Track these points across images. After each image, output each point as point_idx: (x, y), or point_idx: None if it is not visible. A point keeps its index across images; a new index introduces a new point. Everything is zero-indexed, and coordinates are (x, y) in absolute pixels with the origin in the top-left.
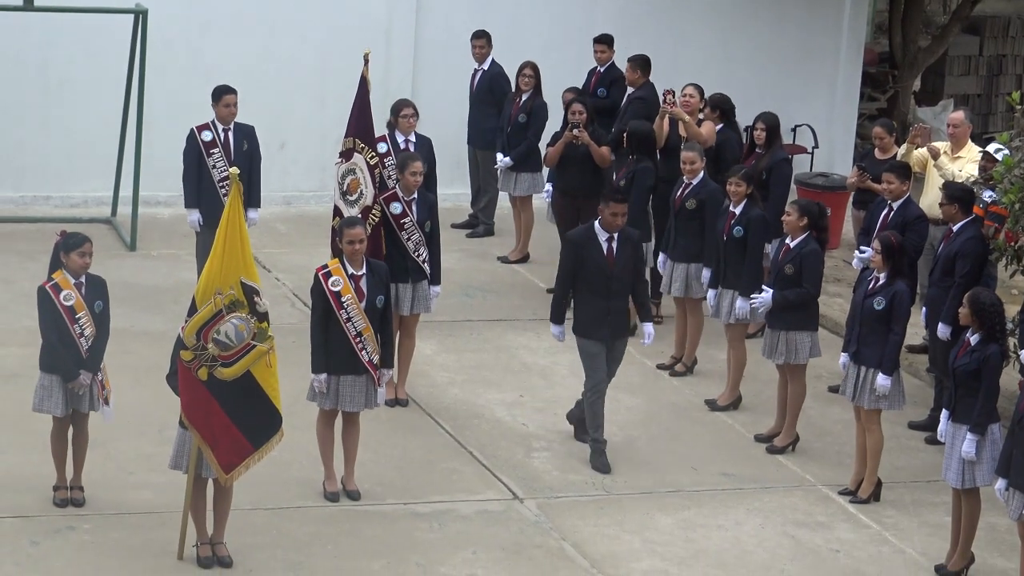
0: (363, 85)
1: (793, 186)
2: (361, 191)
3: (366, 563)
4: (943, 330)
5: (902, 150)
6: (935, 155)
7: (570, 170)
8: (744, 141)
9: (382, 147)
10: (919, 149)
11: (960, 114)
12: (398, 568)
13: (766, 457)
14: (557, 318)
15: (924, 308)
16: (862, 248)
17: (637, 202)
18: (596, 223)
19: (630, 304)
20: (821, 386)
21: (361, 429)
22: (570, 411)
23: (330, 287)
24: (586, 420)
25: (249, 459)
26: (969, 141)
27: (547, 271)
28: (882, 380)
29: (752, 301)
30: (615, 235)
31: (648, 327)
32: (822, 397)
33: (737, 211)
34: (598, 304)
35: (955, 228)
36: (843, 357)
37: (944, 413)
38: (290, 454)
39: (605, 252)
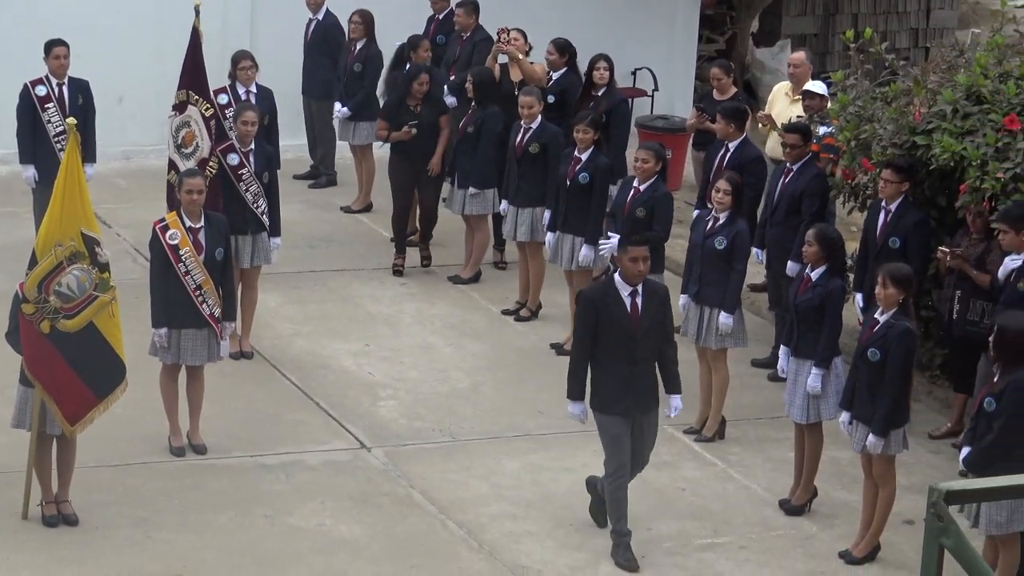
0: (195, 37)
1: (634, 129)
2: (196, 144)
3: (213, 516)
4: (792, 267)
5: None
6: (768, 124)
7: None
8: (582, 85)
9: (223, 98)
10: (769, 128)
11: (800, 54)
12: (245, 520)
13: None
14: (575, 393)
15: (760, 247)
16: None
17: (488, 149)
18: (616, 275)
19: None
20: None
21: (205, 383)
22: (590, 477)
23: (168, 240)
24: (607, 509)
25: (94, 411)
26: (810, 81)
27: (389, 220)
28: (724, 319)
29: (601, 249)
30: (639, 288)
31: (675, 400)
32: None
33: (583, 157)
34: (620, 372)
35: (795, 167)
36: (683, 299)
37: (784, 349)
38: (134, 409)
39: (628, 309)
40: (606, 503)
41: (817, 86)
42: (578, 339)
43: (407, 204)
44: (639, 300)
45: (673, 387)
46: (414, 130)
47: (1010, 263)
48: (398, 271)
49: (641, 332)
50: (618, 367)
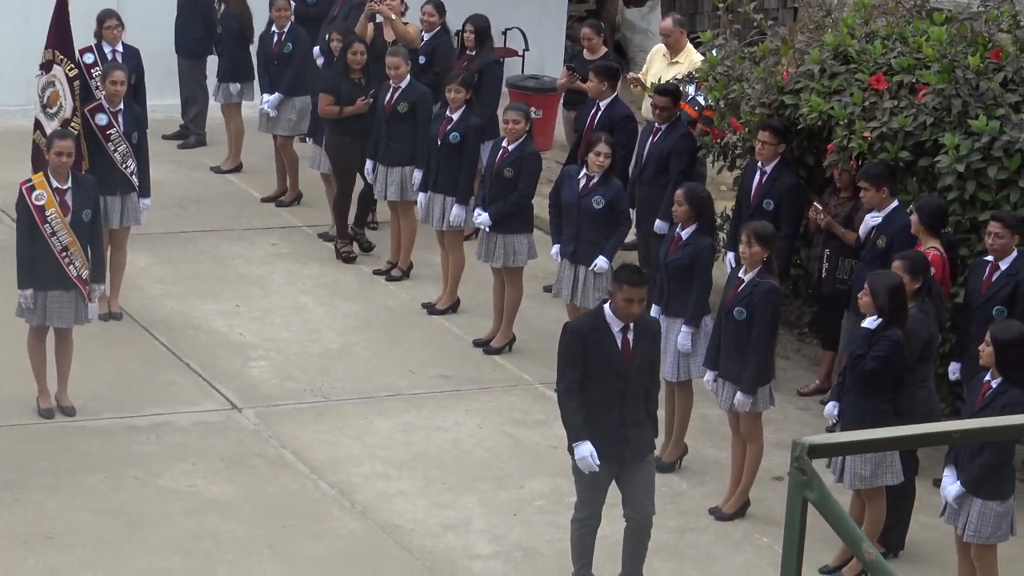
0: None
1: (505, 89)
2: (61, 104)
3: (83, 478)
4: (660, 225)
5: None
6: (637, 85)
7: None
8: (455, 45)
9: (89, 58)
10: (639, 89)
11: (668, 22)
12: (116, 482)
13: (483, 358)
14: (577, 435)
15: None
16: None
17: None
18: (607, 307)
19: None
20: (536, 286)
21: (74, 344)
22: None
23: (34, 201)
24: (571, 550)
25: None
26: (688, 45)
27: (260, 180)
28: (602, 263)
29: (476, 220)
30: (630, 324)
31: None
32: (538, 297)
33: (455, 117)
34: (609, 415)
35: (663, 127)
36: (555, 248)
37: (655, 308)
38: (1, 371)
39: (620, 346)
40: (570, 544)
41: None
42: (565, 376)
43: (352, 187)
44: (631, 336)
45: (655, 430)
46: (371, 99)
47: (870, 220)
48: (350, 258)
49: (632, 371)
50: (605, 408)
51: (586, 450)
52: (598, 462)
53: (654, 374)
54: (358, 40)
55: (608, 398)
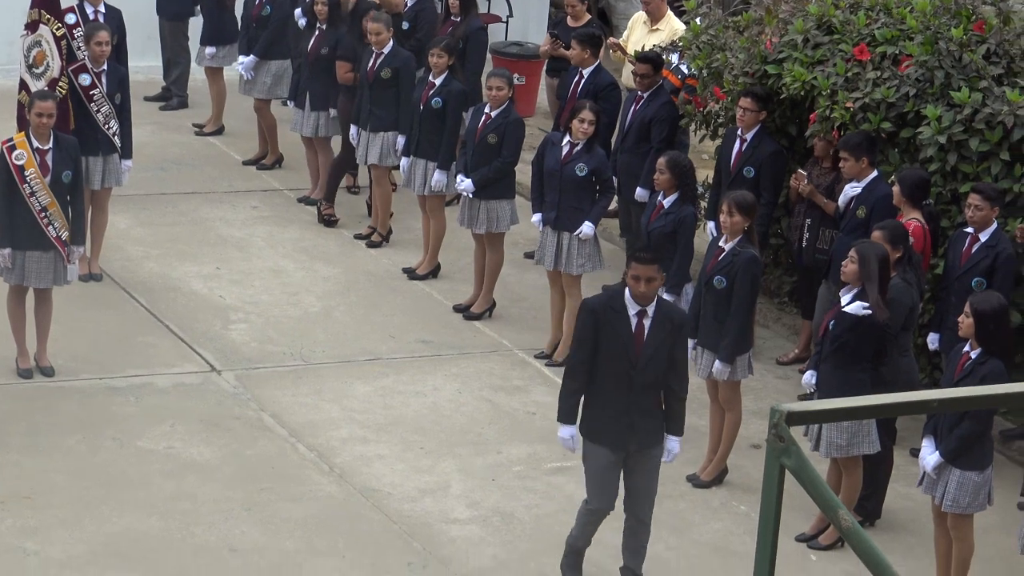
0: None
1: (488, 55)
2: (47, 63)
3: (62, 439)
4: (641, 193)
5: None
6: (617, 51)
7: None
8: (439, 11)
9: (71, 18)
10: (620, 56)
11: None
12: (94, 442)
13: (463, 324)
14: (566, 416)
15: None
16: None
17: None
18: (627, 289)
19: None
20: (517, 252)
21: (54, 305)
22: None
23: (13, 161)
24: (570, 534)
25: None
26: (668, 12)
27: (242, 143)
28: (587, 228)
29: (459, 187)
30: (648, 309)
31: (672, 442)
32: (518, 263)
33: (437, 82)
34: (616, 400)
35: (645, 95)
36: (536, 217)
37: None
38: None
39: (633, 330)
40: (573, 528)
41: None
42: (573, 353)
43: (355, 156)
44: (647, 323)
45: (673, 427)
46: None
47: (850, 190)
48: (331, 221)
49: (643, 359)
50: (614, 394)
51: (568, 432)
52: (575, 448)
53: (676, 368)
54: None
55: (617, 383)
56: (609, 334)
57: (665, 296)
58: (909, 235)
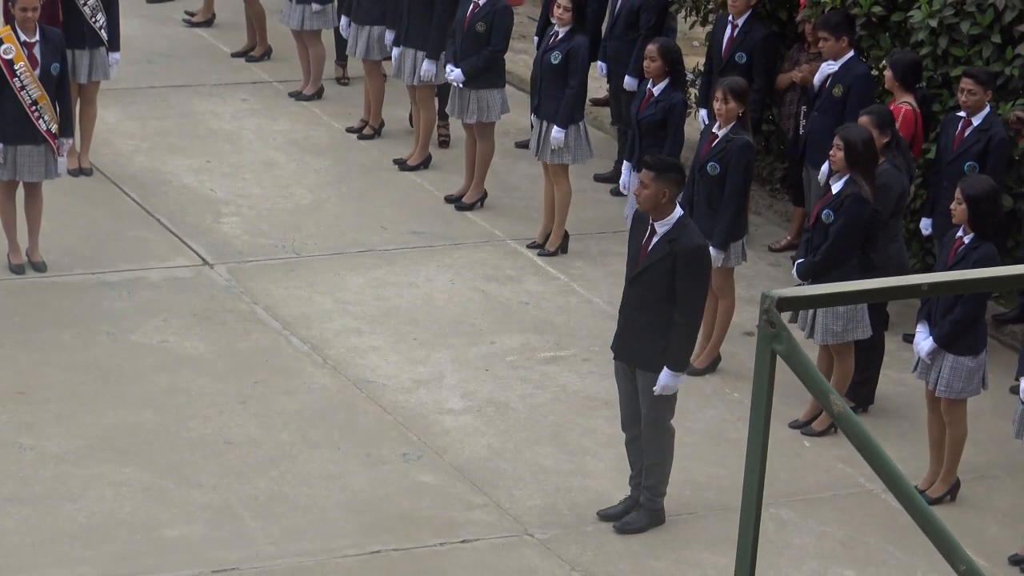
0: None
1: None
2: None
3: (55, 334)
4: (630, 82)
5: None
6: None
7: None
8: None
9: None
10: None
11: None
12: (88, 338)
13: (455, 214)
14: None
15: (602, 62)
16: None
17: None
18: None
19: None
20: (508, 142)
21: (44, 199)
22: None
23: (2, 55)
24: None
25: None
26: None
27: (231, 35)
28: (556, 133)
29: (448, 76)
30: (656, 225)
31: (663, 375)
32: (510, 153)
33: None
34: (623, 311)
35: None
36: (533, 116)
37: (626, 164)
38: None
39: (643, 240)
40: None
41: None
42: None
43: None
44: (654, 240)
45: (668, 359)
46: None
47: (826, 68)
48: (444, 141)
49: (638, 272)
50: (623, 303)
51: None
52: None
53: (676, 297)
54: None
55: (624, 297)
56: (632, 240)
57: (712, 252)
58: (895, 119)
